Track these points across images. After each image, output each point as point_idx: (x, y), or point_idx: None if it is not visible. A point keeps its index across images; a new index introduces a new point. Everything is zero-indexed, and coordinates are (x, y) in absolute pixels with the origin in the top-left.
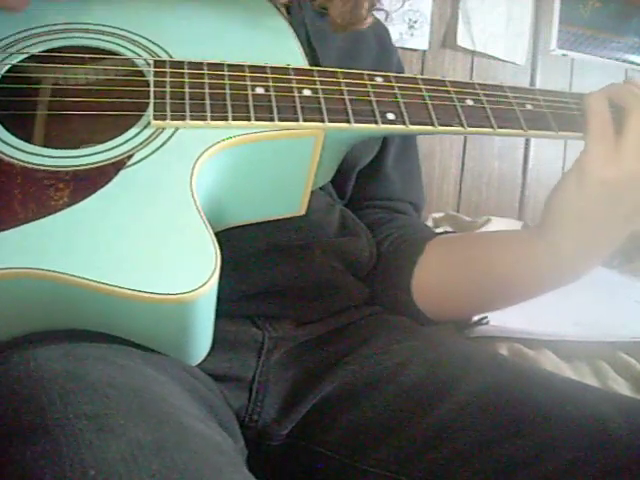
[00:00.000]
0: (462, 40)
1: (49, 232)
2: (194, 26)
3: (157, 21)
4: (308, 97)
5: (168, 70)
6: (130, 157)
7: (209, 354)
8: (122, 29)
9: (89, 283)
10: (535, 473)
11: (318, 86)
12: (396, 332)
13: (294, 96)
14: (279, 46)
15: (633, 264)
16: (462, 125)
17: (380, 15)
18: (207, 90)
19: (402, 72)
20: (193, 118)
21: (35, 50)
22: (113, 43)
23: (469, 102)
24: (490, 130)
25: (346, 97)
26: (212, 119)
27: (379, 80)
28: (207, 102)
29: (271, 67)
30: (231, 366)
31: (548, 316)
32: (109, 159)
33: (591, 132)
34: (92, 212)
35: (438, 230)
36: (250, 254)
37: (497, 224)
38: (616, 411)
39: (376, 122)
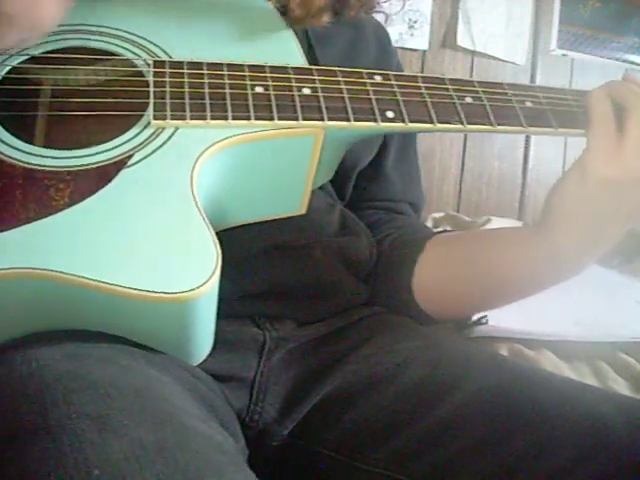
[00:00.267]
0: (462, 40)
1: (50, 232)
2: (193, 27)
3: (156, 22)
4: (307, 96)
5: (167, 70)
6: (130, 157)
7: (210, 354)
8: (121, 30)
9: (90, 282)
10: (535, 473)
11: (317, 85)
12: (397, 332)
13: (293, 95)
14: (279, 48)
15: (633, 264)
16: (461, 123)
17: (380, 17)
18: (207, 90)
19: None
20: (193, 118)
21: (35, 51)
22: (112, 44)
23: (468, 100)
24: (489, 127)
25: (345, 96)
26: (212, 118)
27: (378, 78)
28: (207, 102)
29: (270, 66)
30: (232, 366)
31: (548, 316)
32: (109, 159)
33: (594, 130)
34: (93, 212)
35: (438, 230)
36: (251, 254)
37: (497, 224)
38: (616, 411)
39: (375, 120)
